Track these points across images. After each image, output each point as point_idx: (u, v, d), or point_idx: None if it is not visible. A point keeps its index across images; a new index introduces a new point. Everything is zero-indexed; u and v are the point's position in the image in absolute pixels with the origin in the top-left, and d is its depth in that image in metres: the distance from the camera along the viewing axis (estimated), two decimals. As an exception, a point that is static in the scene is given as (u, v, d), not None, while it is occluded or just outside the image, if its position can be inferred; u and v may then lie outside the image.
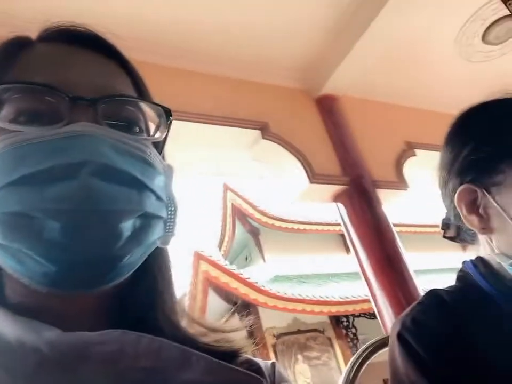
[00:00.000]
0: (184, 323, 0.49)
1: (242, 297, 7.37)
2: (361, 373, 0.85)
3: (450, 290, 0.70)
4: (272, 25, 2.55)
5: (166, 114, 0.47)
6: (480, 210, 0.68)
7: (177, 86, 2.25)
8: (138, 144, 0.43)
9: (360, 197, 2.67)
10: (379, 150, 2.93)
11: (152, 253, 0.45)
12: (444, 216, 0.78)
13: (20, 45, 0.47)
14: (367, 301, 2.66)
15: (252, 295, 7.45)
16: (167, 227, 0.45)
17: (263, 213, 10.08)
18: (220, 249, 10.68)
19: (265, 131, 2.59)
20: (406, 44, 2.87)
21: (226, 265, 7.79)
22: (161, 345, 0.39)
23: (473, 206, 0.68)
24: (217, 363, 0.41)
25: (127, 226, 0.39)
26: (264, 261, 9.87)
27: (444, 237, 0.79)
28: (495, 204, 0.65)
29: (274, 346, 7.78)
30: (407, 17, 2.58)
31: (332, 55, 2.80)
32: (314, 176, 2.58)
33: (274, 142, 2.60)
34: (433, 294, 0.69)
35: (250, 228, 10.50)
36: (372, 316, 7.09)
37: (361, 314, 8.42)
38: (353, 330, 8.58)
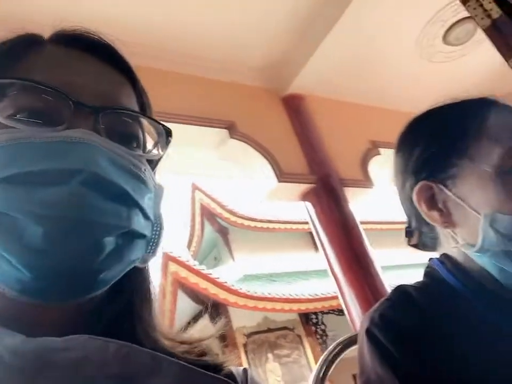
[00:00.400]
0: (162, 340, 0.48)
1: (212, 297, 7.34)
2: (332, 370, 0.86)
3: (418, 286, 0.71)
4: (239, 25, 2.55)
5: (166, 134, 0.46)
6: (440, 205, 0.69)
7: (144, 85, 2.22)
8: (134, 160, 0.42)
9: (328, 195, 2.70)
10: (345, 149, 2.97)
11: (132, 270, 0.43)
12: (406, 224, 0.80)
13: (30, 41, 0.46)
14: (336, 297, 2.70)
15: (222, 295, 7.42)
16: (150, 247, 0.44)
17: (231, 212, 10.06)
18: (189, 249, 10.61)
19: (233, 130, 2.59)
20: (370, 44, 2.91)
21: (195, 265, 7.74)
22: (129, 351, 0.37)
23: (432, 202, 0.70)
24: (189, 368, 0.40)
25: (110, 240, 0.38)
26: (234, 260, 9.86)
27: (409, 245, 0.80)
28: (453, 196, 0.67)
29: (245, 345, 7.78)
30: (371, 18, 2.62)
31: (298, 54, 2.82)
32: (282, 175, 2.60)
33: (241, 141, 2.60)
34: (401, 290, 0.70)
35: (219, 228, 10.46)
36: (340, 312, 7.19)
37: (330, 311, 8.52)
38: (323, 327, 8.67)
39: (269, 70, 2.93)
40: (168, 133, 0.47)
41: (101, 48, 0.47)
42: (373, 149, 3.13)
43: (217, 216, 10.26)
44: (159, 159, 0.49)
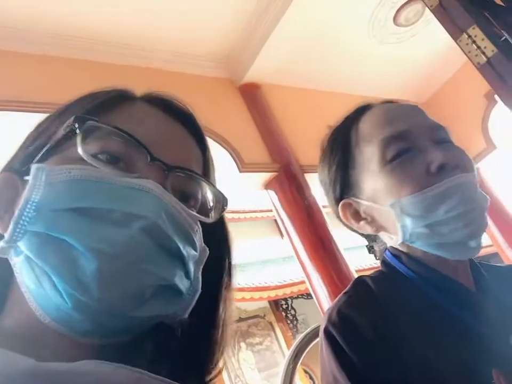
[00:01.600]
0: None
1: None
2: (302, 359, 0.87)
3: (375, 276, 0.73)
4: (192, 15, 2.52)
5: (223, 202, 0.50)
6: (363, 215, 0.74)
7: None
8: (190, 220, 0.44)
9: (290, 182, 2.72)
10: (304, 135, 3.00)
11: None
12: (366, 244, 0.83)
13: (126, 96, 0.51)
14: (304, 282, 2.74)
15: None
16: (182, 306, 0.44)
17: (195, 206, 10.01)
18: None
19: (191, 123, 2.56)
20: (323, 29, 2.94)
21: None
22: (140, 377, 0.38)
23: (357, 215, 0.75)
24: None
25: (151, 290, 0.39)
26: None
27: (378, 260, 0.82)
28: (366, 202, 0.72)
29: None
30: (322, 3, 2.64)
31: (252, 43, 2.81)
32: (243, 165, 2.60)
33: (201, 133, 2.58)
34: (359, 282, 0.72)
35: (184, 222, 10.39)
36: (309, 296, 7.30)
37: (299, 296, 8.64)
38: (293, 312, 8.80)
39: (225, 59, 2.92)
40: (226, 201, 0.51)
41: (184, 115, 0.53)
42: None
43: (181, 210, 10.19)
44: (219, 223, 0.52)
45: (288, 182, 2.72)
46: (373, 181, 0.71)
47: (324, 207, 2.72)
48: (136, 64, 2.53)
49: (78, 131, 0.43)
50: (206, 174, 0.53)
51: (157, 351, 0.45)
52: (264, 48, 2.79)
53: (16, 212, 0.38)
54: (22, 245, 0.38)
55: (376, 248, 0.81)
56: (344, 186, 0.76)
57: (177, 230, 0.42)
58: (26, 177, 0.42)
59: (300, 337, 0.88)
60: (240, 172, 2.60)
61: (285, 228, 2.68)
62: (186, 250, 0.43)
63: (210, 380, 0.49)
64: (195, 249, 0.45)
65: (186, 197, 0.47)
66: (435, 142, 0.69)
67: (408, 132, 0.69)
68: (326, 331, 0.64)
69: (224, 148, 2.60)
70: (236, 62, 2.93)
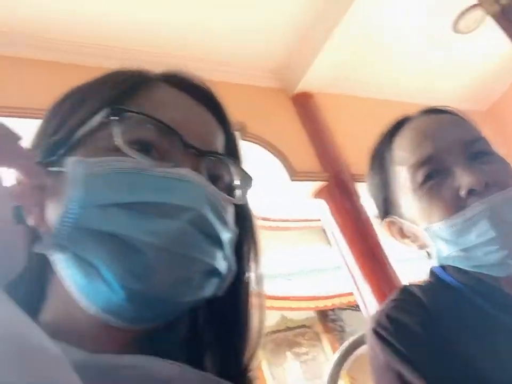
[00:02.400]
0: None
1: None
2: (350, 366, 0.86)
3: (422, 286, 0.73)
4: (244, 26, 2.56)
5: (249, 182, 0.51)
6: (407, 233, 0.75)
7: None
8: (224, 204, 0.45)
9: (341, 191, 2.70)
10: (356, 144, 2.95)
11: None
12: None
13: (146, 78, 0.50)
14: (353, 293, 2.70)
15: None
16: (220, 286, 0.46)
17: (245, 213, 10.06)
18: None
19: (243, 132, 2.60)
20: (379, 37, 2.90)
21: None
22: (182, 371, 0.40)
23: (402, 232, 0.76)
24: None
25: (197, 276, 0.41)
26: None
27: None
28: (408, 223, 0.73)
29: (263, 345, 7.78)
30: (377, 10, 2.61)
31: (305, 52, 2.82)
32: (294, 174, 2.61)
33: (252, 142, 2.61)
34: (406, 290, 0.72)
35: (233, 229, 10.46)
36: (358, 308, 7.16)
37: (348, 307, 8.47)
38: (341, 323, 8.64)
39: (277, 69, 2.94)
40: (250, 181, 0.51)
41: (207, 96, 0.52)
42: (384, 143, 3.11)
43: (230, 217, 10.26)
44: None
45: (339, 191, 2.69)
46: (408, 204, 0.72)
47: (374, 217, 2.67)
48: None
49: (114, 121, 0.42)
50: (231, 154, 0.52)
51: (189, 334, 0.48)
52: (318, 58, 2.79)
53: (60, 209, 0.38)
54: (67, 241, 0.38)
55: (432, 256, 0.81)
56: (386, 204, 0.78)
57: (217, 216, 0.43)
58: (52, 168, 0.42)
59: (346, 342, 0.88)
60: (291, 180, 2.60)
61: (334, 238, 2.65)
62: (224, 234, 0.44)
63: (245, 370, 0.49)
64: (229, 232, 0.46)
65: (215, 179, 0.47)
66: (469, 158, 0.68)
67: (436, 155, 0.69)
68: (375, 332, 0.65)
69: (276, 156, 2.62)
70: (289, 72, 2.95)
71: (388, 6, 2.62)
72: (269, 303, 7.66)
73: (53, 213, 0.39)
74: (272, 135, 2.66)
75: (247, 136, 2.60)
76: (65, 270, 0.40)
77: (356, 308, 8.06)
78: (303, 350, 8.05)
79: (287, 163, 2.61)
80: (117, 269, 0.38)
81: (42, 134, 0.47)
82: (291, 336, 8.20)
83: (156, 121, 0.43)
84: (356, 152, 2.92)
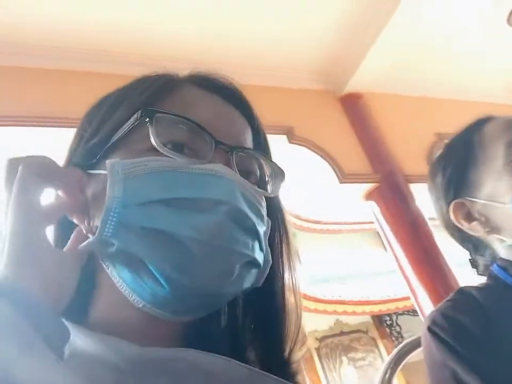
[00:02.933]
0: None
1: (282, 302, 7.33)
2: (407, 370, 0.84)
3: (480, 287, 0.73)
4: (290, 29, 2.56)
5: (282, 175, 0.52)
6: (477, 216, 0.75)
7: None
8: (257, 196, 0.47)
9: (393, 193, 2.63)
10: (409, 144, 2.89)
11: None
12: (468, 256, 0.84)
13: (174, 80, 0.52)
14: (409, 298, 2.62)
15: (291, 299, 7.40)
16: (257, 277, 0.47)
17: (297, 217, 10.03)
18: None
19: (291, 135, 2.59)
20: (429, 35, 2.81)
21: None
22: (229, 364, 0.41)
23: (469, 216, 0.76)
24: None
25: (238, 267, 0.43)
26: (301, 263, 9.81)
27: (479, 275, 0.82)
28: (483, 201, 0.74)
29: (317, 350, 7.72)
30: (429, 7, 2.53)
31: (354, 52, 2.78)
32: (344, 176, 2.57)
33: (301, 145, 2.60)
34: (462, 292, 0.73)
35: (285, 232, 10.45)
36: (415, 312, 6.96)
37: (405, 312, 8.25)
38: (397, 328, 8.41)
39: (325, 71, 2.92)
40: (283, 174, 0.53)
41: (231, 93, 0.54)
42: (439, 142, 3.00)
43: (282, 221, 10.26)
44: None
45: (391, 193, 2.63)
46: (494, 179, 0.73)
47: (430, 219, 2.59)
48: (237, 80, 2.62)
49: (149, 123, 0.44)
50: (260, 149, 0.54)
51: (231, 327, 0.49)
52: (367, 57, 2.73)
53: (103, 210, 0.40)
54: (113, 239, 0.40)
55: (480, 262, 0.80)
56: (458, 186, 0.78)
57: (251, 208, 0.45)
58: (92, 171, 0.45)
59: (400, 345, 0.86)
60: (341, 182, 2.57)
61: (388, 241, 2.58)
62: (260, 226, 0.46)
63: (287, 362, 0.50)
64: (264, 223, 0.47)
65: (247, 174, 0.49)
66: None
67: None
68: (431, 331, 0.65)
69: (324, 159, 2.59)
70: (336, 73, 2.91)
71: (437, 3, 2.53)
72: (322, 307, 7.59)
73: (98, 215, 0.42)
74: (321, 138, 2.64)
75: (295, 140, 2.59)
76: (112, 267, 0.42)
77: (413, 313, 7.83)
78: (359, 355, 7.91)
79: (336, 165, 2.58)
80: (162, 263, 0.40)
81: (79, 140, 0.50)
82: (346, 341, 8.07)
83: (187, 120, 0.45)
84: (408, 152, 2.85)
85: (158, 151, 0.44)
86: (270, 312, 0.50)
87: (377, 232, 2.76)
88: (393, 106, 3.05)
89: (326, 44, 2.75)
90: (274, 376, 0.43)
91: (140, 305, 0.42)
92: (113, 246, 0.40)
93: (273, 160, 0.54)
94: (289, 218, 0.57)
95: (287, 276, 0.53)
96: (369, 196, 2.69)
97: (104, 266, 0.43)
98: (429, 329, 0.66)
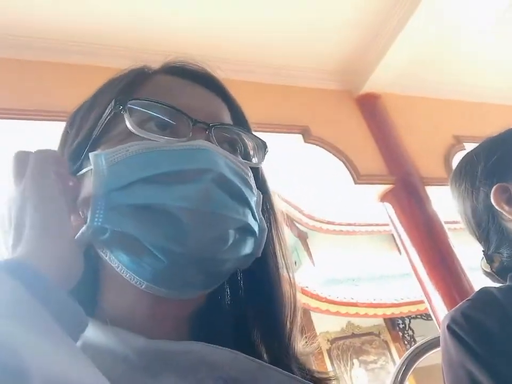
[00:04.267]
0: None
1: (293, 302, 7.31)
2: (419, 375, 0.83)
3: (502, 288, 0.71)
4: (307, 28, 2.54)
5: (263, 146, 0.54)
6: None
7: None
8: (242, 166, 0.48)
9: (409, 195, 2.61)
10: (426, 146, 2.85)
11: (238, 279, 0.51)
12: (483, 251, 0.81)
13: (147, 72, 0.54)
14: (423, 302, 2.59)
15: (303, 300, 7.39)
16: (255, 246, 0.48)
17: (310, 217, 9.99)
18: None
19: (307, 135, 2.58)
20: (447, 37, 2.78)
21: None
22: (236, 357, 0.41)
23: (510, 201, 0.74)
24: (295, 379, 0.43)
25: (232, 233, 0.43)
26: (314, 265, 9.78)
27: (492, 272, 0.80)
28: None
29: (329, 351, 7.69)
30: (448, 9, 2.50)
31: (372, 52, 2.76)
32: (359, 177, 2.55)
33: (316, 145, 2.59)
34: (484, 291, 0.71)
35: (298, 232, 10.43)
36: (428, 317, 6.89)
37: (418, 316, 8.18)
38: (410, 332, 8.33)
39: (341, 71, 2.90)
40: (265, 145, 0.54)
41: (204, 77, 0.55)
42: (456, 145, 2.97)
43: (296, 221, 10.25)
44: (257, 169, 0.55)
45: (407, 195, 2.60)
46: None
47: (446, 222, 2.55)
48: (251, 79, 2.62)
49: (122, 111, 0.46)
50: (239, 124, 0.55)
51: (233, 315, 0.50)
52: (384, 58, 2.71)
53: (91, 198, 0.41)
54: (105, 224, 0.41)
55: (496, 259, 0.78)
56: (505, 171, 0.76)
57: (237, 177, 0.46)
58: (80, 173, 0.46)
59: (412, 348, 0.85)
60: (356, 183, 2.55)
61: (402, 243, 2.56)
62: (249, 194, 0.47)
63: (291, 347, 0.50)
64: (253, 192, 0.48)
65: (230, 147, 0.51)
66: None
67: None
68: (450, 329, 0.65)
69: (340, 159, 2.57)
70: (353, 73, 2.89)
71: (456, 4, 2.50)
72: (335, 308, 7.57)
73: (88, 208, 0.42)
74: (336, 138, 2.62)
75: (311, 139, 2.58)
76: (110, 253, 0.43)
77: (426, 317, 7.75)
78: (371, 358, 7.86)
79: (352, 166, 2.56)
80: (155, 236, 0.40)
81: (63, 145, 0.52)
82: (358, 343, 8.03)
83: (160, 104, 0.47)
84: (425, 155, 2.81)
85: (138, 137, 0.45)
86: (264, 293, 0.51)
87: (391, 235, 2.74)
88: (411, 108, 3.02)
89: (343, 44, 2.74)
90: (281, 370, 0.43)
91: (143, 286, 0.42)
92: (107, 231, 0.41)
93: (253, 133, 0.55)
94: (278, 199, 0.58)
95: (279, 259, 0.53)
96: (384, 198, 2.66)
97: (102, 254, 0.44)
98: (448, 327, 0.65)
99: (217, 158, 0.44)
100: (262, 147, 0.54)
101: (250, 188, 0.48)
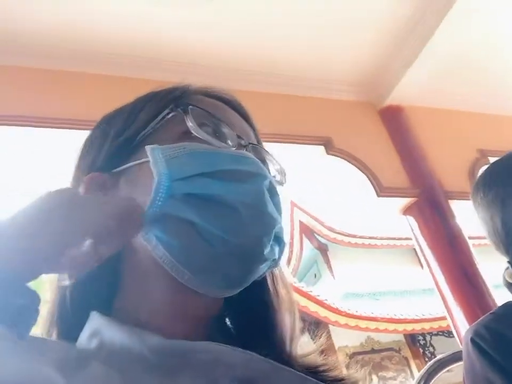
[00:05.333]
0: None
1: (312, 315, 7.26)
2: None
3: None
4: (331, 39, 2.55)
5: (284, 172, 0.58)
6: None
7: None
8: (275, 182, 0.52)
9: (432, 209, 2.57)
10: (450, 159, 2.82)
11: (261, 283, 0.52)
12: (508, 261, 0.81)
13: (189, 90, 0.57)
14: (444, 318, 2.54)
15: (322, 313, 7.33)
16: (279, 254, 0.50)
17: (331, 229, 9.94)
18: (288, 266, 10.64)
19: (329, 146, 2.58)
20: (473, 48, 2.75)
21: (295, 283, 7.73)
22: (252, 358, 0.42)
23: None
24: (308, 380, 0.43)
25: (273, 234, 0.47)
26: (334, 277, 9.70)
27: None
28: None
29: (347, 366, 7.57)
30: (474, 21, 2.48)
31: (396, 64, 2.74)
32: (381, 190, 2.53)
33: (338, 157, 2.58)
34: (507, 305, 0.72)
35: (318, 245, 10.38)
36: (450, 334, 6.74)
37: (439, 333, 8.01)
38: (431, 349, 8.16)
39: (365, 83, 2.89)
40: (284, 171, 0.58)
41: (234, 102, 0.59)
42: (481, 159, 2.92)
43: (316, 233, 10.20)
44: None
45: (430, 209, 2.56)
46: None
47: (470, 238, 2.51)
48: (273, 90, 2.63)
49: (184, 112, 0.50)
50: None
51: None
52: (409, 70, 2.69)
53: (154, 184, 0.43)
54: (166, 207, 0.42)
55: None
56: None
57: (275, 192, 0.50)
58: (118, 169, 0.49)
59: (432, 361, 0.84)
60: (378, 196, 2.52)
61: (425, 258, 2.52)
62: (281, 207, 0.50)
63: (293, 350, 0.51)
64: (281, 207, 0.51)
65: None
66: None
67: None
68: (473, 342, 0.65)
69: (362, 171, 2.56)
70: (377, 85, 2.88)
71: (482, 17, 2.48)
72: (353, 322, 7.47)
73: (144, 198, 0.43)
74: (359, 150, 2.61)
75: (333, 151, 2.57)
76: (159, 241, 0.43)
77: (448, 334, 7.58)
78: (390, 374, 7.72)
79: (374, 178, 2.54)
80: (214, 224, 0.43)
81: (99, 145, 0.52)
82: (377, 359, 7.91)
83: (211, 116, 0.51)
84: (449, 168, 2.78)
85: (191, 138, 0.48)
86: (262, 302, 0.52)
87: (413, 249, 2.70)
88: (435, 120, 2.99)
89: (367, 55, 2.74)
90: (295, 371, 0.43)
91: (185, 277, 0.43)
92: (167, 214, 0.43)
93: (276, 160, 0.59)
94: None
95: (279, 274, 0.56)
96: (407, 211, 2.63)
97: (148, 243, 0.44)
98: (472, 340, 0.65)
99: (263, 167, 0.49)
100: (283, 172, 0.58)
101: (280, 201, 0.51)
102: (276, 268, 0.54)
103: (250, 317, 0.52)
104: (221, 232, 0.42)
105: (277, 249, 0.49)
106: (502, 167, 0.88)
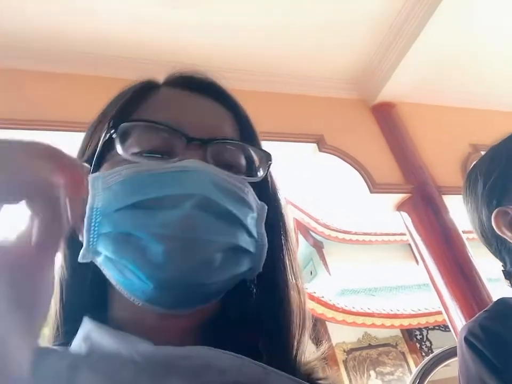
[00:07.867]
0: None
1: (309, 312, 7.26)
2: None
3: None
4: (322, 37, 2.55)
5: (266, 158, 0.52)
6: None
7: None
8: (236, 183, 0.47)
9: (425, 204, 2.58)
10: (443, 155, 2.83)
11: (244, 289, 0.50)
12: (501, 267, 0.80)
13: (149, 87, 0.54)
14: (440, 312, 2.55)
15: (319, 310, 7.34)
16: (255, 262, 0.47)
17: (325, 226, 9.95)
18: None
19: (321, 144, 2.58)
20: (464, 44, 2.77)
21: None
22: (242, 363, 0.41)
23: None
24: (297, 383, 0.43)
25: (218, 256, 0.43)
26: (330, 274, 9.71)
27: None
28: None
29: (345, 362, 7.60)
30: (464, 17, 2.49)
31: (387, 61, 2.75)
32: (374, 186, 2.53)
33: (331, 154, 2.59)
34: (501, 302, 0.71)
35: (313, 242, 10.39)
36: (446, 328, 6.77)
37: (436, 327, 8.05)
38: (428, 343, 8.20)
39: (357, 80, 2.90)
40: (269, 156, 0.52)
41: (207, 87, 0.54)
42: (473, 153, 2.93)
43: (311, 231, 10.20)
44: (265, 181, 0.53)
45: (423, 204, 2.57)
46: None
47: (464, 232, 2.52)
48: (265, 89, 2.63)
49: (114, 135, 0.46)
50: (244, 136, 0.54)
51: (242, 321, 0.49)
52: (399, 67, 2.70)
53: (85, 221, 0.42)
54: (99, 247, 0.42)
55: None
56: (503, 194, 0.75)
57: (227, 195, 0.45)
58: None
59: (428, 357, 0.84)
60: (371, 192, 2.53)
61: (419, 253, 2.53)
62: (242, 212, 0.45)
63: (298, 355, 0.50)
64: (251, 209, 0.47)
65: (230, 163, 0.49)
66: None
67: None
68: (467, 341, 0.65)
69: (355, 168, 2.56)
70: (369, 82, 2.89)
71: (472, 12, 2.48)
72: (350, 318, 7.49)
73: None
74: (351, 147, 2.62)
75: (325, 148, 2.58)
76: (106, 271, 0.44)
77: (444, 328, 7.62)
78: (388, 369, 7.75)
79: (367, 174, 2.55)
80: (139, 262, 0.41)
81: (79, 154, 0.52)
82: (375, 354, 7.93)
83: (155, 124, 0.47)
84: (442, 163, 2.79)
85: (128, 159, 0.46)
86: (272, 303, 0.51)
87: (408, 245, 2.70)
88: (427, 116, 3.00)
89: (358, 53, 2.74)
90: (288, 375, 0.43)
91: (140, 304, 0.43)
92: (100, 253, 0.42)
93: (259, 145, 0.54)
94: (287, 209, 0.57)
95: (288, 269, 0.53)
96: (400, 207, 2.64)
97: (103, 272, 0.45)
98: (466, 339, 0.65)
99: (205, 179, 0.44)
100: (265, 159, 0.52)
101: (246, 205, 0.47)
102: (282, 272, 0.51)
103: (256, 320, 0.51)
104: (147, 270, 0.41)
105: (243, 260, 0.46)
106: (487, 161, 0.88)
